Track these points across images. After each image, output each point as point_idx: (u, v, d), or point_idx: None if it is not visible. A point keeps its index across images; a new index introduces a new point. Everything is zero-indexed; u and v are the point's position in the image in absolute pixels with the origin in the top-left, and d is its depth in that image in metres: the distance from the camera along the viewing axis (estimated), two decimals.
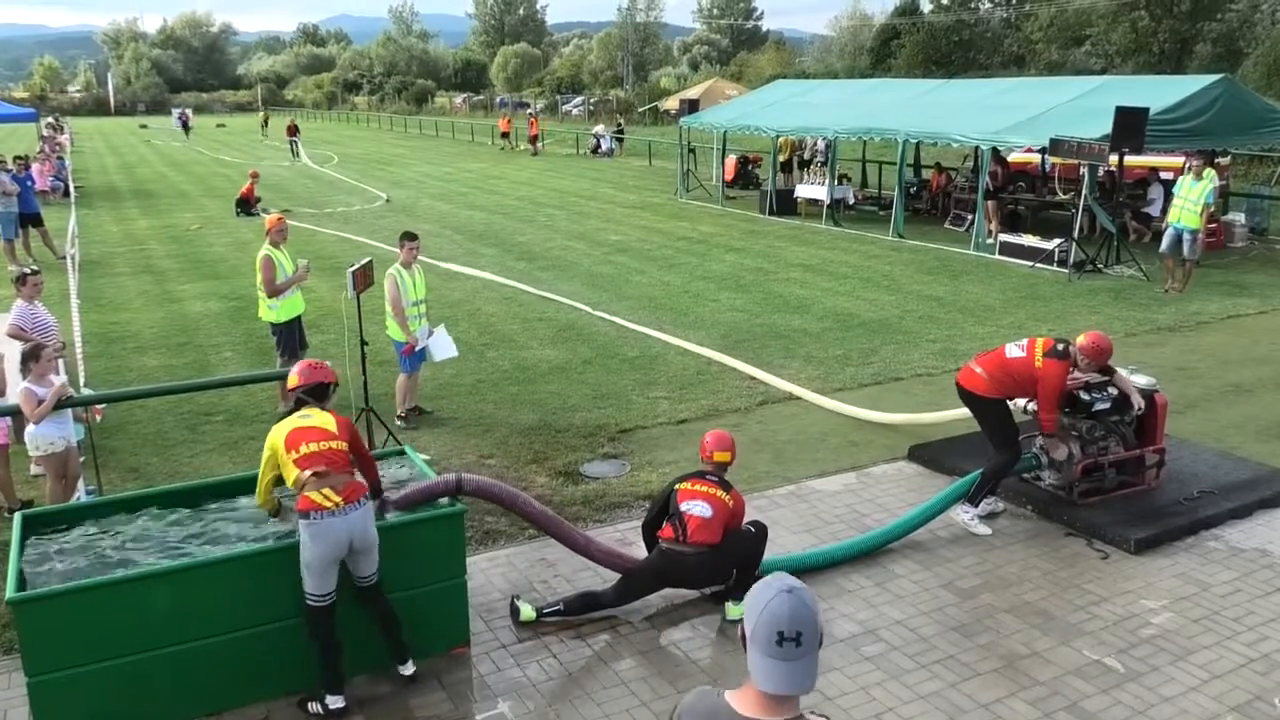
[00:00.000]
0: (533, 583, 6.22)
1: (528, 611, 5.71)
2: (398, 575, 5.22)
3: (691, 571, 5.71)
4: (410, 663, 5.19)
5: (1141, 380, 7.17)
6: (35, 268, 8.93)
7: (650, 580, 5.81)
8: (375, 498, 5.31)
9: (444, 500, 5.58)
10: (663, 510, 5.80)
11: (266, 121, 60.92)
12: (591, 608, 5.77)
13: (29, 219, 18.00)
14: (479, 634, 5.64)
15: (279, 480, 5.05)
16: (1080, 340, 6.84)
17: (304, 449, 4.86)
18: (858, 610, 5.88)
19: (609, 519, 7.13)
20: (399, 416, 8.99)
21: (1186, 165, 17.32)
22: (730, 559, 5.74)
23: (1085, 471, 6.98)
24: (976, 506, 6.85)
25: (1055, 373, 6.64)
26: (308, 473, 4.79)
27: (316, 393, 5.19)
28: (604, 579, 6.01)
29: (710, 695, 2.36)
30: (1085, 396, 7.00)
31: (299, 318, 9.54)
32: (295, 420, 5.01)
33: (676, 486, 5.77)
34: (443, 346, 9.06)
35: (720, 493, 5.71)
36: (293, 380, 5.21)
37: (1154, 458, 7.29)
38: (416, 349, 8.92)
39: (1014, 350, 6.81)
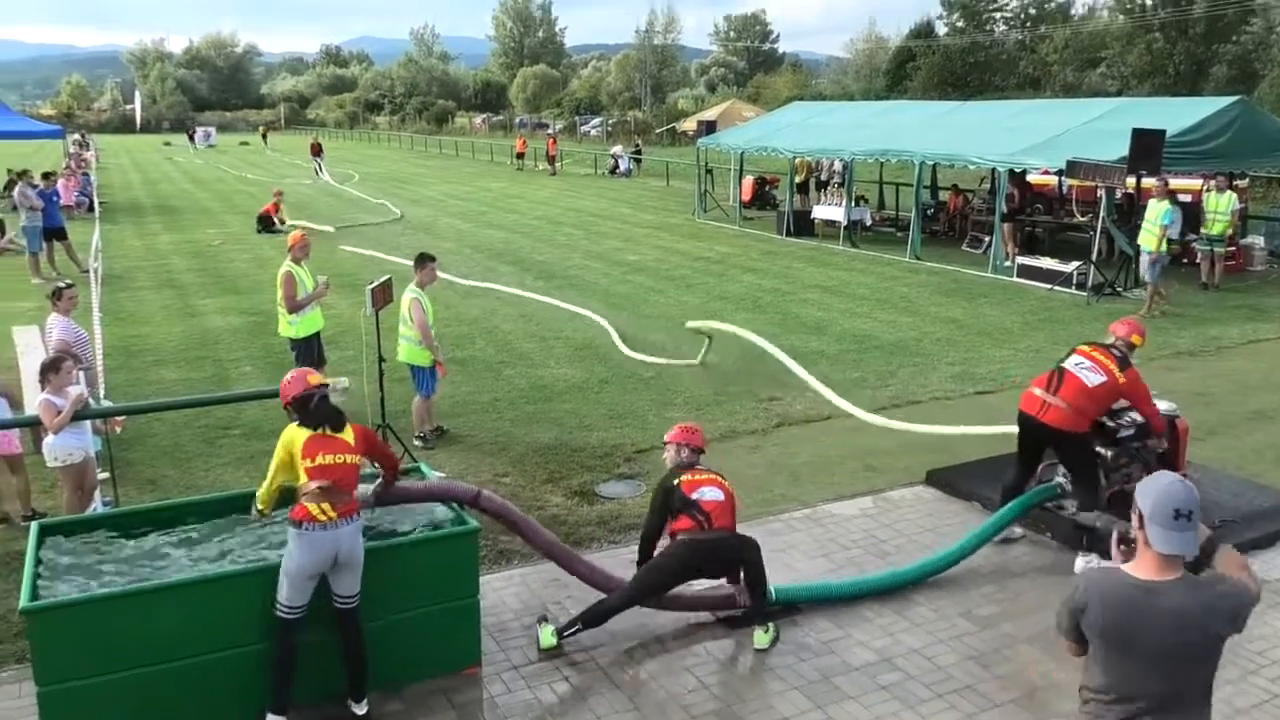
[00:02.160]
0: (546, 603, 6.18)
1: (546, 638, 5.64)
2: (409, 592, 5.20)
3: (717, 556, 5.70)
4: (365, 703, 5.02)
5: (1162, 406, 7.08)
6: (69, 281, 9.04)
7: (671, 575, 5.72)
8: (388, 484, 5.45)
9: (453, 516, 5.57)
10: (663, 511, 5.74)
11: (265, 137, 69.59)
12: (608, 615, 5.70)
13: (53, 233, 18.25)
14: (490, 654, 5.60)
15: (283, 486, 5.04)
16: (1119, 331, 6.86)
17: (319, 459, 4.84)
18: (874, 638, 5.81)
19: (623, 540, 7.08)
20: (418, 437, 8.96)
21: (1205, 186, 17.32)
22: (746, 546, 5.74)
23: (1111, 500, 6.89)
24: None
25: (1138, 377, 6.63)
26: (314, 485, 4.78)
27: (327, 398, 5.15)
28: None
29: (1108, 571, 3.22)
30: (1109, 424, 6.92)
31: (318, 334, 9.58)
32: (319, 431, 4.95)
33: (676, 482, 5.72)
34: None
35: (718, 476, 5.83)
36: (315, 378, 5.16)
37: None
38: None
39: (1092, 377, 6.51)
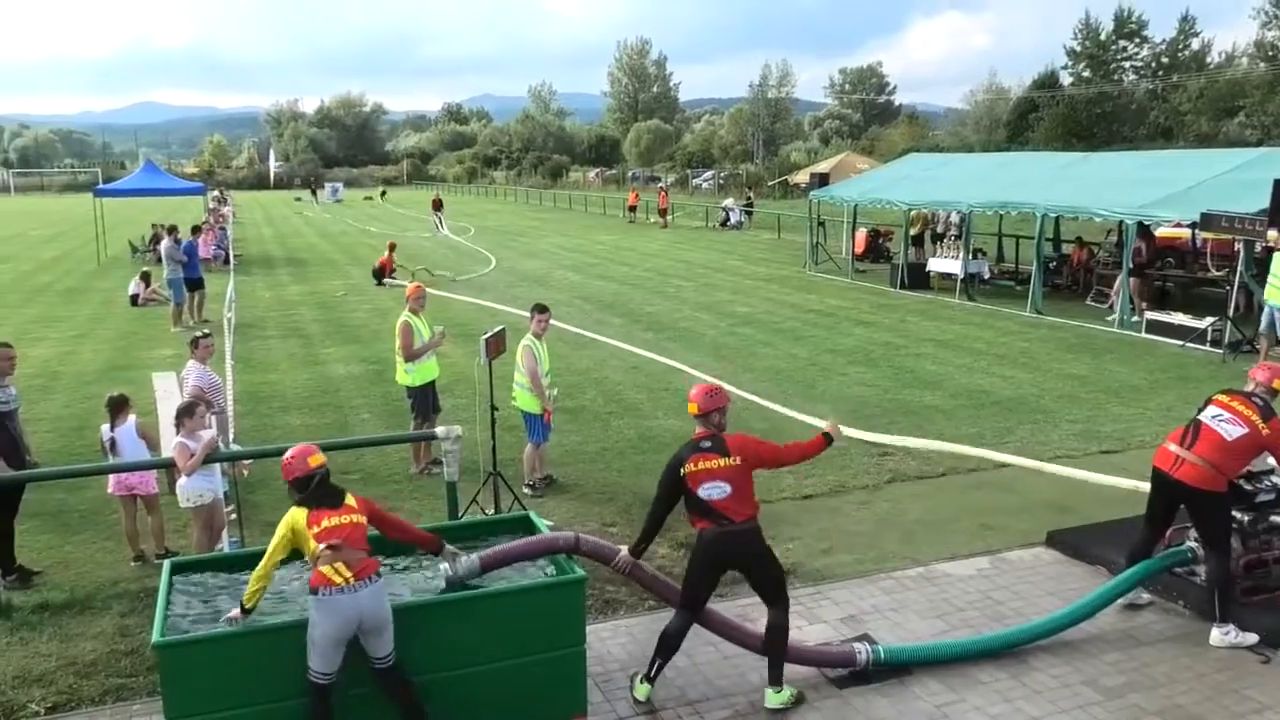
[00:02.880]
0: (650, 654, 6.13)
1: (641, 691, 5.62)
2: (515, 640, 5.23)
3: (746, 545, 5.47)
4: None
5: None
6: (207, 331, 9.54)
7: (706, 572, 5.56)
8: (436, 553, 5.43)
9: (556, 567, 5.60)
10: (668, 496, 5.55)
11: (384, 194, 74.84)
12: (677, 641, 5.61)
13: (192, 284, 19.29)
14: (596, 704, 5.58)
15: (283, 564, 5.00)
16: (1259, 377, 6.49)
17: (325, 523, 4.84)
18: (991, 704, 5.57)
19: (729, 593, 6.98)
20: (527, 485, 9.09)
21: None
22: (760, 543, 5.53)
23: (1248, 568, 6.50)
24: (1231, 622, 6.22)
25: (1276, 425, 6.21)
26: (323, 546, 4.77)
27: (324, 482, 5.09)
28: (720, 651, 5.88)
29: None
30: (1247, 486, 6.54)
31: (433, 383, 9.85)
32: (322, 506, 4.96)
33: (683, 472, 5.46)
34: None
35: (722, 460, 5.46)
36: (316, 460, 5.10)
37: None
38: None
39: (1232, 429, 6.14)
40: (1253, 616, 6.30)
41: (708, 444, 5.52)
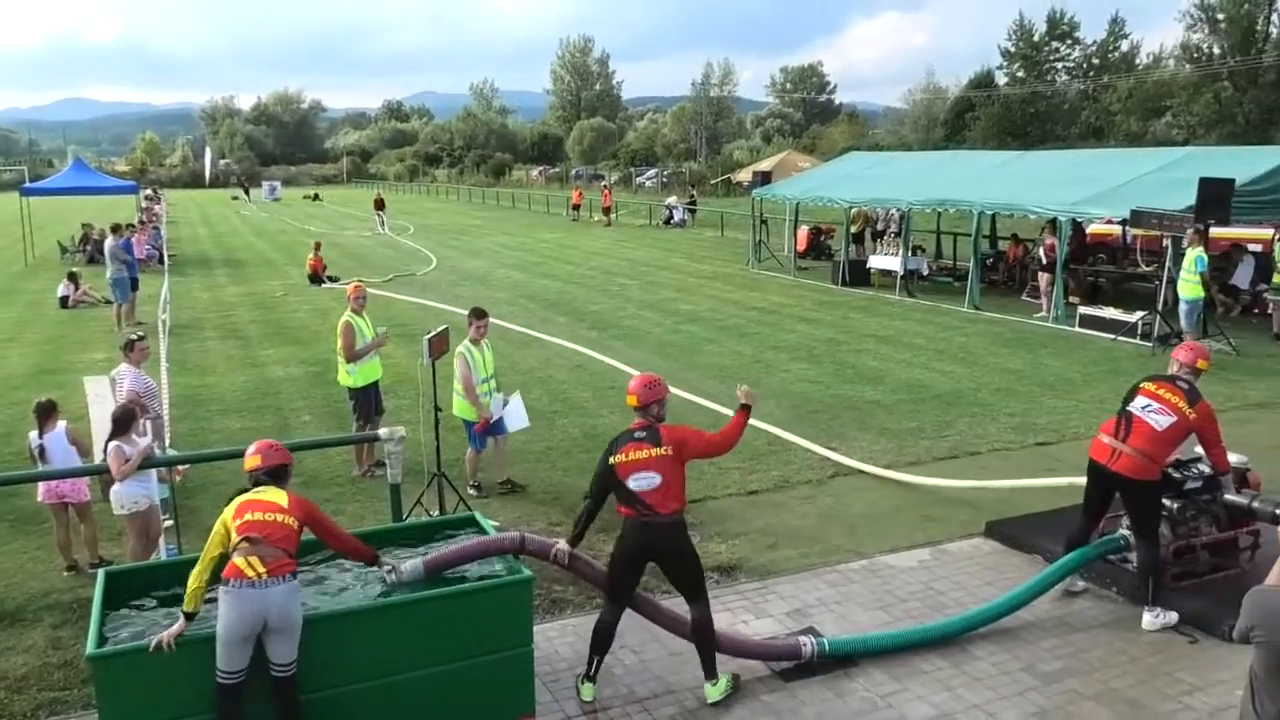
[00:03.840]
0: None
1: (587, 690, 5.65)
2: (463, 642, 5.20)
3: (667, 539, 5.48)
4: None
5: (1233, 459, 6.88)
6: (143, 334, 9.31)
7: (627, 562, 5.57)
8: (372, 564, 5.33)
9: (504, 567, 5.57)
10: (603, 488, 5.52)
11: (317, 196, 71.48)
12: (608, 635, 5.64)
13: (131, 284, 18.84)
14: (544, 704, 5.57)
15: (221, 565, 4.79)
16: (1182, 358, 6.62)
17: (247, 517, 4.79)
18: (933, 693, 5.68)
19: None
20: (471, 486, 9.04)
21: (1276, 236, 16.97)
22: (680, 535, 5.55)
23: (1177, 554, 6.70)
24: (1159, 604, 6.40)
25: (1210, 413, 6.38)
26: (240, 538, 4.69)
27: (276, 474, 5.16)
28: (666, 647, 5.90)
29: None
30: (1176, 474, 6.74)
31: (376, 383, 9.74)
32: (248, 495, 4.99)
33: (611, 461, 5.46)
34: (516, 418, 9.07)
35: (654, 450, 5.44)
36: (253, 461, 5.14)
37: (1248, 539, 6.97)
38: (491, 422, 8.95)
39: (1161, 419, 6.27)
40: (1182, 601, 6.50)
41: (641, 434, 5.53)
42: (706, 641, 5.61)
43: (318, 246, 25.64)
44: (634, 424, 5.65)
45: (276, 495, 5.00)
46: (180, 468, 8.47)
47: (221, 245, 36.51)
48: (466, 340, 8.99)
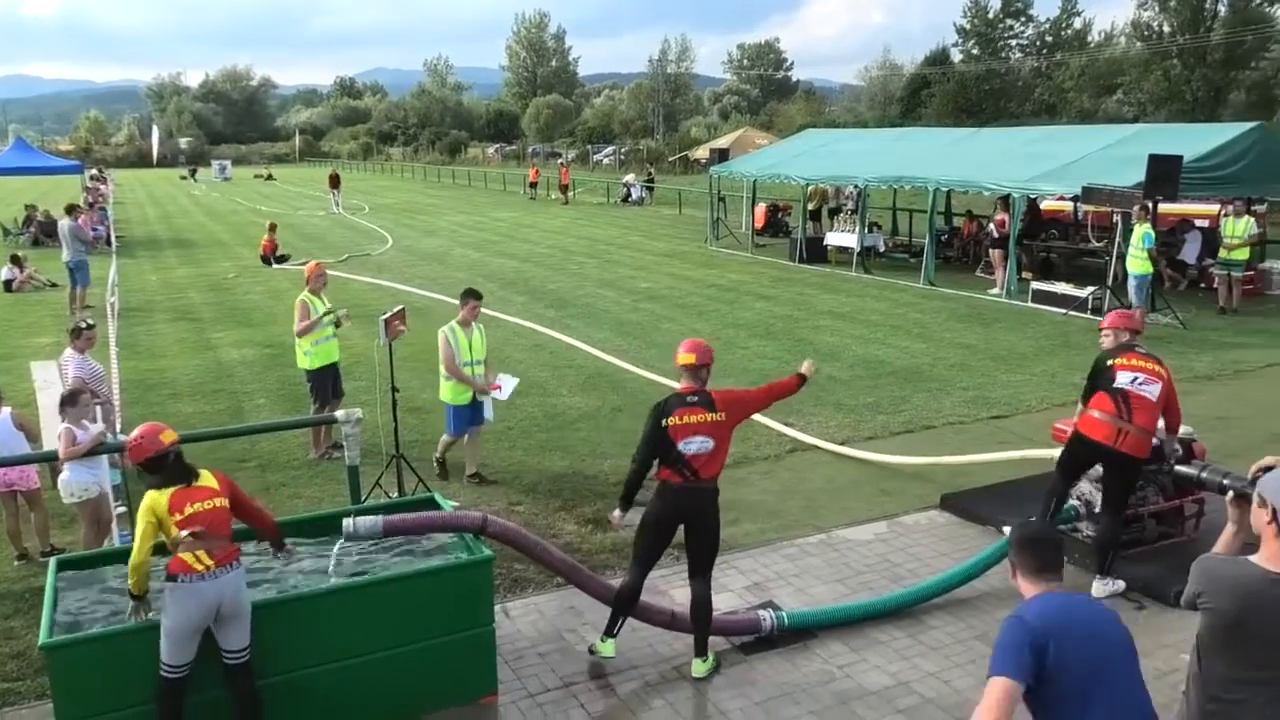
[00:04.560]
0: (561, 631, 6.17)
1: (607, 649, 5.74)
2: (424, 623, 5.20)
3: (706, 503, 5.56)
4: None
5: (1188, 430, 7.05)
6: (91, 321, 9.12)
7: (664, 527, 5.61)
8: (279, 548, 5.31)
9: (466, 546, 5.57)
10: (653, 447, 5.48)
11: (269, 176, 69.42)
12: (632, 600, 5.68)
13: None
14: (507, 683, 5.59)
15: (155, 551, 4.76)
16: (1121, 324, 6.67)
17: (189, 509, 4.66)
18: (889, 662, 5.78)
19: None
20: (436, 460, 8.91)
21: (1223, 211, 17.33)
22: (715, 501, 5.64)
23: (1126, 523, 6.85)
24: (1111, 575, 6.54)
25: (1167, 367, 6.51)
26: (185, 533, 4.61)
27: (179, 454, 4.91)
28: (631, 624, 5.94)
29: (1228, 561, 3.30)
30: (1163, 447, 6.85)
31: (334, 366, 9.62)
32: (178, 485, 4.75)
33: (665, 423, 5.41)
34: (498, 398, 8.89)
35: (710, 415, 5.47)
36: (171, 436, 4.87)
37: (1193, 508, 7.15)
38: (492, 392, 8.76)
39: (1153, 390, 6.29)
40: (1128, 569, 6.66)
41: (694, 398, 5.51)
42: (706, 618, 5.66)
43: (273, 228, 25.24)
44: (682, 387, 5.60)
45: (207, 479, 4.86)
46: None
47: (171, 226, 35.82)
48: (454, 321, 8.75)
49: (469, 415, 8.72)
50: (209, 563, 4.60)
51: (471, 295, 8.84)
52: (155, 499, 4.68)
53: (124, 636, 4.67)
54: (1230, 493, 3.66)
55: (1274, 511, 3.17)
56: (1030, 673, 2.98)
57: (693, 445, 5.42)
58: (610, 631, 5.74)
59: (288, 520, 5.85)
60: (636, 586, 5.68)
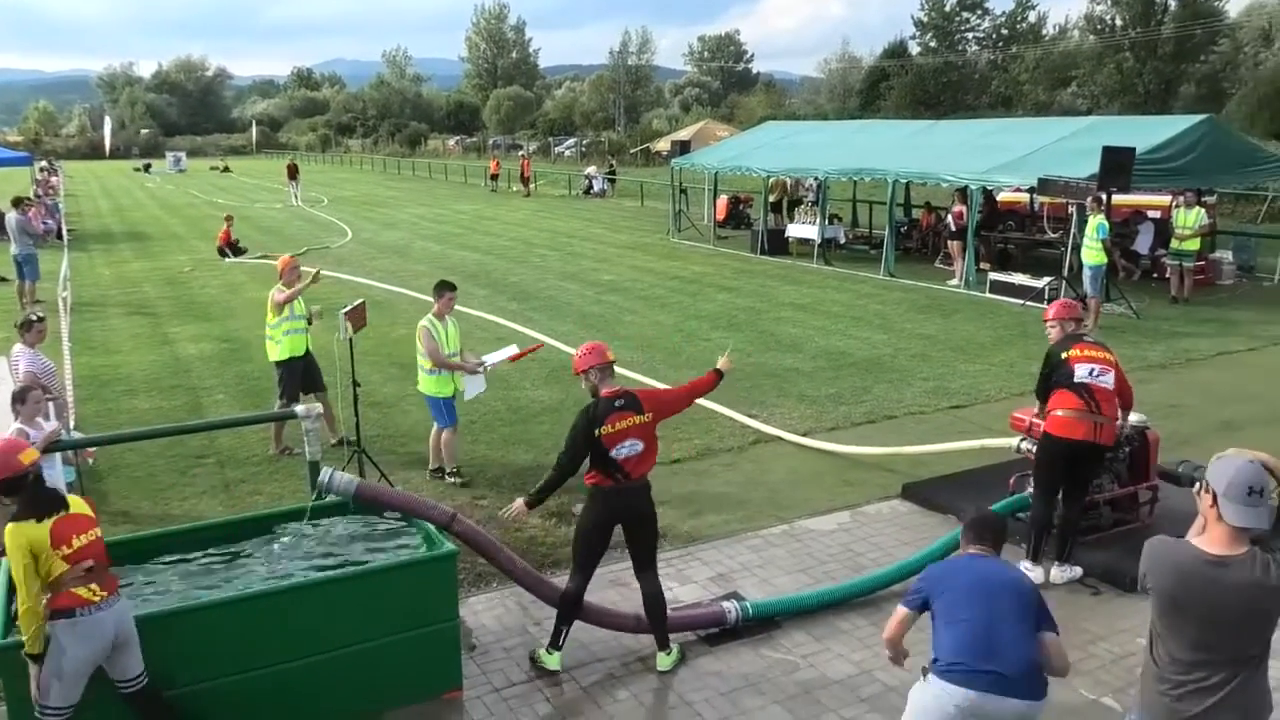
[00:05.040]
0: (526, 625, 6.17)
1: (552, 661, 5.65)
2: (388, 618, 5.17)
3: (640, 502, 5.55)
4: None
5: (1133, 418, 7.18)
6: (41, 314, 8.93)
7: (603, 531, 5.58)
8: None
9: (427, 541, 5.54)
10: (583, 458, 5.43)
11: (226, 168, 66.69)
12: (576, 605, 5.64)
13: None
14: (472, 678, 5.58)
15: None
16: (1065, 314, 6.73)
17: (76, 543, 4.35)
18: (853, 651, 5.83)
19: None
20: (450, 473, 8.64)
21: (1175, 202, 17.65)
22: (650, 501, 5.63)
23: (1084, 510, 6.96)
24: (1069, 561, 6.65)
25: (1114, 353, 6.63)
26: (80, 567, 4.32)
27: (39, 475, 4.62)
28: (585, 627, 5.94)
29: (1170, 543, 3.44)
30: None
31: (302, 358, 9.38)
32: (56, 516, 4.38)
33: (599, 432, 5.33)
34: (475, 385, 8.72)
35: (638, 417, 5.44)
36: (31, 455, 4.57)
37: (1147, 495, 7.29)
38: (482, 376, 8.65)
39: (1108, 379, 6.37)
40: (1085, 555, 6.78)
41: (621, 402, 5.45)
42: (661, 611, 5.66)
43: (229, 220, 24.87)
44: (606, 391, 5.52)
45: (79, 506, 4.56)
46: (89, 451, 8.19)
47: (125, 219, 35.18)
48: (430, 315, 8.52)
49: (454, 405, 8.58)
50: (101, 593, 4.38)
51: (447, 287, 8.62)
52: (32, 534, 4.25)
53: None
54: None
55: (1214, 495, 3.29)
56: (918, 605, 4.18)
57: (624, 450, 5.40)
58: (556, 643, 5.65)
59: (238, 519, 5.76)
60: (580, 592, 5.63)
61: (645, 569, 5.65)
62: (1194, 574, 3.29)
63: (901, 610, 4.25)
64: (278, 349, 9.25)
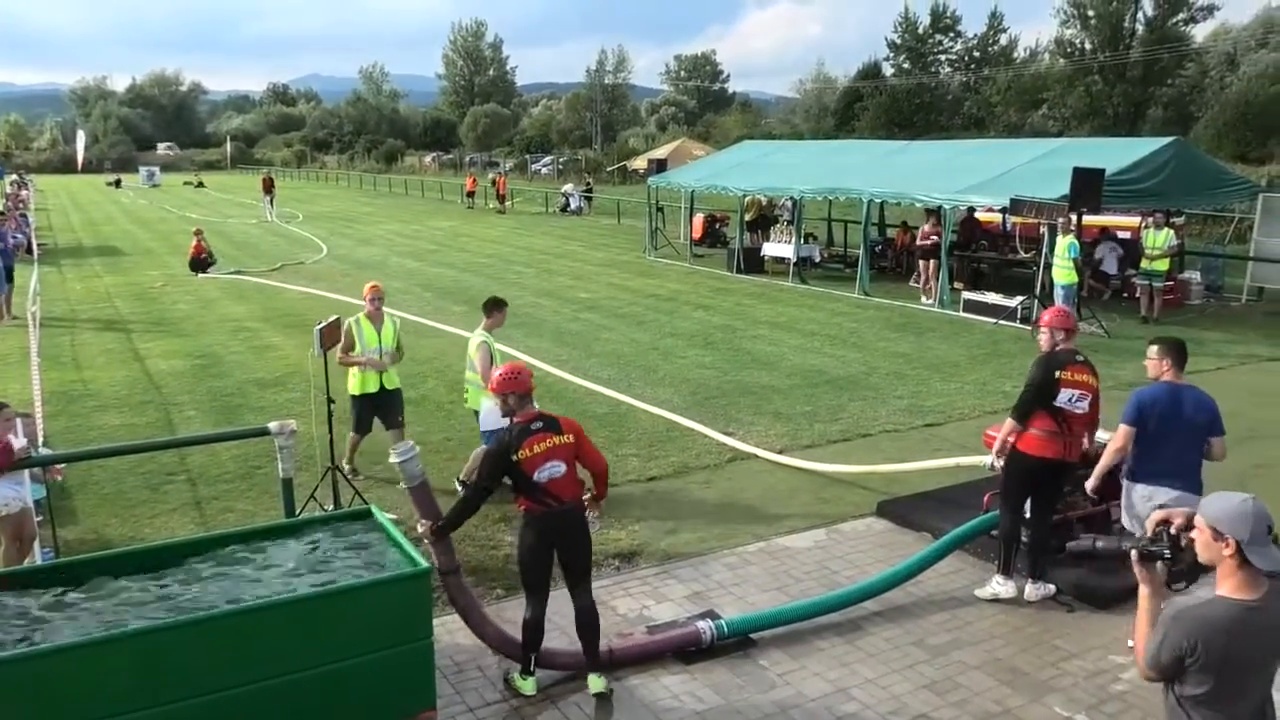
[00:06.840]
0: (514, 652, 6.11)
1: (528, 686, 5.59)
2: (360, 637, 5.11)
3: (574, 525, 5.50)
4: None
5: (1105, 436, 7.24)
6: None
7: (541, 552, 5.49)
8: None
9: (403, 558, 5.50)
10: (495, 488, 5.42)
11: (200, 183, 65.46)
12: (540, 630, 5.59)
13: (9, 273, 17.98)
14: (446, 697, 5.53)
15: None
16: (1058, 322, 6.72)
17: None
18: (829, 669, 5.83)
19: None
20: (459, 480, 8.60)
21: (1144, 223, 17.91)
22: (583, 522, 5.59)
23: (1056, 527, 7.01)
24: (1042, 579, 6.69)
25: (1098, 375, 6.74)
26: None
27: None
28: (571, 638, 5.92)
29: (1197, 606, 3.15)
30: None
31: (375, 394, 9.05)
32: None
33: (516, 458, 5.31)
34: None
35: (558, 438, 5.43)
36: None
37: (1118, 513, 7.33)
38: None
39: (1083, 404, 6.47)
40: (1058, 572, 6.82)
41: (538, 425, 5.45)
42: (595, 631, 5.61)
43: (199, 232, 24.67)
44: (520, 416, 5.49)
45: None
46: (57, 467, 8.08)
47: (97, 234, 34.84)
48: (482, 328, 8.55)
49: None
50: None
51: (499, 303, 8.80)
52: None
53: (51, 656, 4.50)
54: (1134, 553, 3.40)
55: (1236, 544, 3.07)
56: (1133, 421, 5.82)
57: (545, 472, 5.35)
58: (528, 669, 5.61)
59: (209, 537, 5.69)
60: (539, 617, 5.58)
61: (578, 584, 5.61)
62: (1242, 625, 3.10)
63: (1125, 428, 6.00)
64: (355, 383, 8.96)
